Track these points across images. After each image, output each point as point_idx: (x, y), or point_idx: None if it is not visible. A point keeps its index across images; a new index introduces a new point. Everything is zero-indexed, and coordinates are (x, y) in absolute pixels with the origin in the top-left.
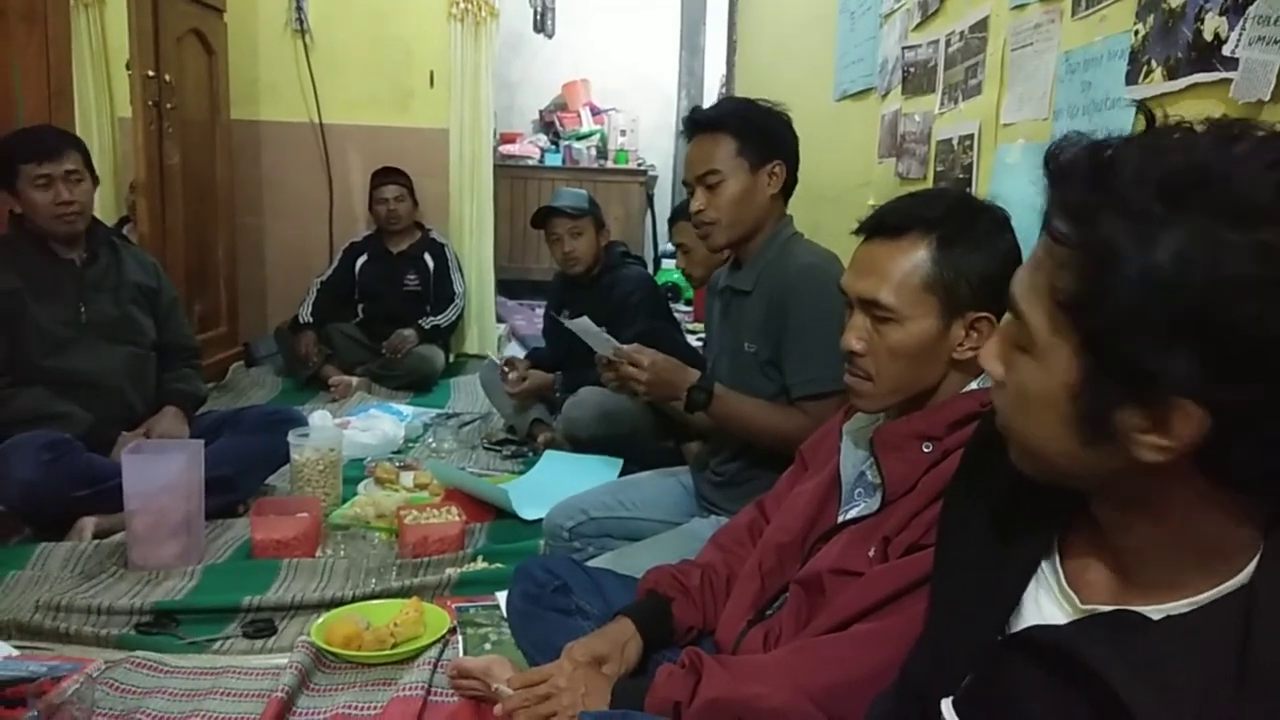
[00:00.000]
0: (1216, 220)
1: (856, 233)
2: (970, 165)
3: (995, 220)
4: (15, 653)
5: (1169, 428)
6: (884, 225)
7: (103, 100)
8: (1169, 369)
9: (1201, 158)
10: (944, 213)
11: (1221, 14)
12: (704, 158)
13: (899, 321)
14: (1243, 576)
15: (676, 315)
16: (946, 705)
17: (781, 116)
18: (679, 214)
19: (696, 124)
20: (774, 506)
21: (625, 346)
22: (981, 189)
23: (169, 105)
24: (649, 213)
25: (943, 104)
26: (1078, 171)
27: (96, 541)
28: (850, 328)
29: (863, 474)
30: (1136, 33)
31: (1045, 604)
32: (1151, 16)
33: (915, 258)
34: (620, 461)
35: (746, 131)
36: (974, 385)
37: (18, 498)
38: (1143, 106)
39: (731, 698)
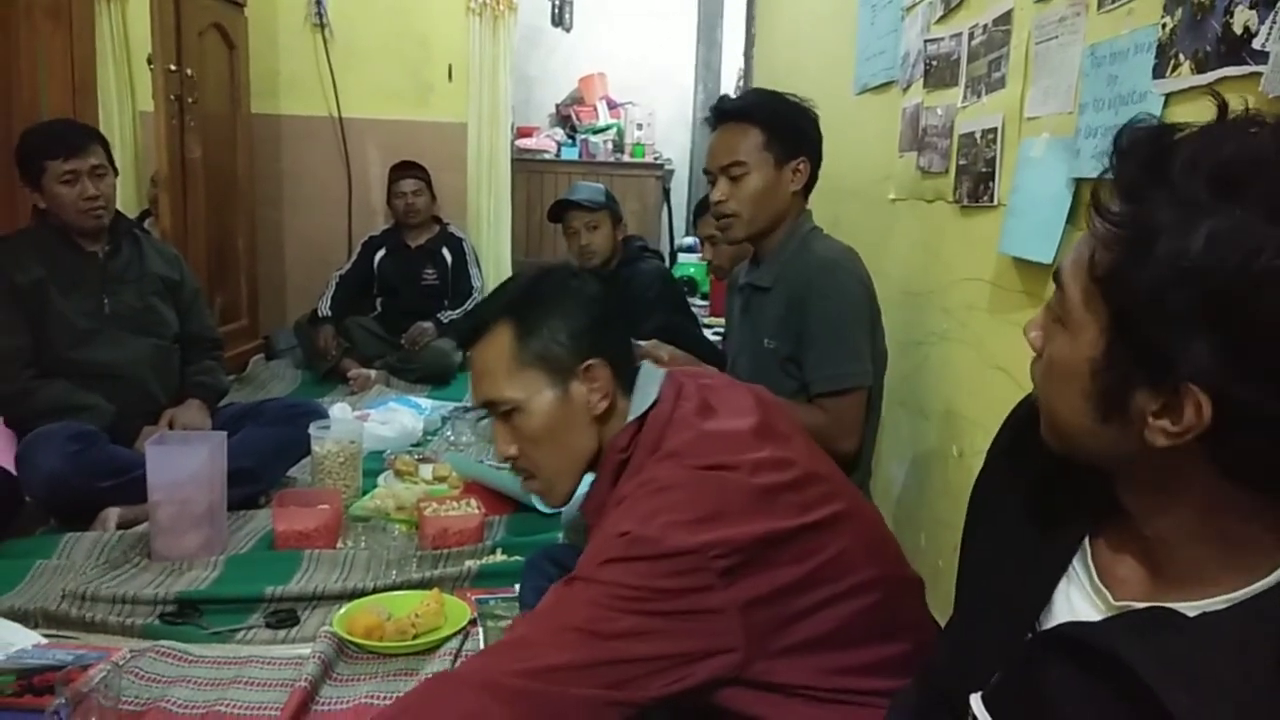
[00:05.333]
0: (1259, 213)
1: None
2: (993, 159)
3: (559, 276)
4: (43, 640)
5: (1180, 414)
6: (476, 331)
7: (125, 94)
8: (1187, 355)
9: (1257, 151)
10: (513, 295)
11: (1251, 7)
12: (729, 148)
13: (523, 409)
14: (1279, 574)
15: (694, 309)
16: (976, 700)
17: (810, 113)
18: (705, 206)
19: (724, 113)
20: None
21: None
22: (1005, 183)
23: (190, 99)
24: (665, 207)
25: (965, 97)
26: (1138, 152)
27: (120, 532)
28: (495, 437)
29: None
30: (1164, 26)
31: (1077, 601)
32: (1180, 9)
33: (503, 345)
34: None
35: (775, 125)
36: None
37: (43, 489)
38: (1217, 96)
39: None
